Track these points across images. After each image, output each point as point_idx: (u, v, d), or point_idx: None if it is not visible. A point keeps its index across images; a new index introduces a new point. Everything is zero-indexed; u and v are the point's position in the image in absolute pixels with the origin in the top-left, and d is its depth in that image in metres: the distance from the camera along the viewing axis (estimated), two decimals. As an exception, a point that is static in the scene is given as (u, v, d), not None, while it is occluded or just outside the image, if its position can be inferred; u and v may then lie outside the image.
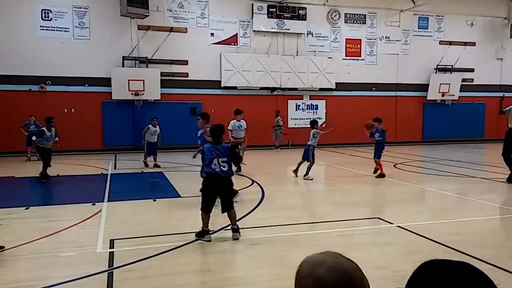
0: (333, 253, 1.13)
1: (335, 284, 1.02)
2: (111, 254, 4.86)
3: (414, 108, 21.07)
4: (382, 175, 10.32)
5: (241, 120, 11.30)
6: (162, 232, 5.79)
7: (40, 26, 16.07)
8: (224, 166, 5.29)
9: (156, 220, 6.73)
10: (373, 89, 20.30)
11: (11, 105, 15.60)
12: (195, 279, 4.20)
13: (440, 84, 20.78)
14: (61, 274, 4.27)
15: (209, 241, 5.22)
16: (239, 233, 5.38)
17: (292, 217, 5.66)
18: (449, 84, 20.88)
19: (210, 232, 5.34)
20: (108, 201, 7.80)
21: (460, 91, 21.10)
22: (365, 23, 20.11)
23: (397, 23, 20.53)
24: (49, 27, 16.20)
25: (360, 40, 20.14)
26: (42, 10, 16.05)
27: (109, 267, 4.46)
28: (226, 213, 5.44)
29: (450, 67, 21.14)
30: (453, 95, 21.07)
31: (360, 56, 20.19)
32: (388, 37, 20.50)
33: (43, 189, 9.32)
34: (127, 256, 4.73)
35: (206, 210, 5.33)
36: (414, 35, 20.84)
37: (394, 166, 12.85)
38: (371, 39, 20.28)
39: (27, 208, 7.20)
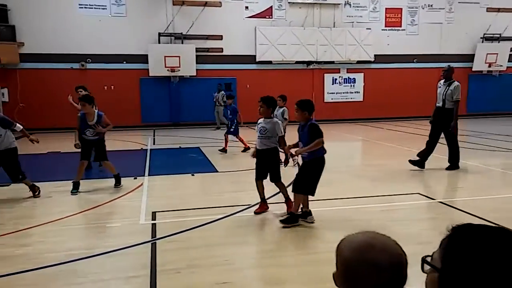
0: (370, 233, 1.11)
1: (393, 264, 1.02)
2: (154, 226, 5.04)
3: (458, 80, 20.00)
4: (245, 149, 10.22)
5: None
6: (201, 206, 5.93)
7: (79, 4, 16.40)
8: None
9: (195, 194, 6.90)
10: (414, 60, 19.49)
11: (54, 83, 16.17)
12: (235, 251, 4.30)
13: (487, 54, 19.64)
14: (108, 243, 4.49)
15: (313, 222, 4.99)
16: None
17: (328, 193, 5.62)
18: (497, 54, 19.70)
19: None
20: (149, 175, 8.05)
21: (509, 61, 19.89)
22: (406, -9, 19.16)
23: (441, -10, 19.43)
24: (87, 5, 16.50)
25: (401, 9, 19.24)
26: (80, -12, 16.37)
27: (152, 238, 4.64)
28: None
29: (498, 36, 19.88)
30: (501, 66, 19.89)
31: (400, 26, 19.33)
32: (431, 5, 19.46)
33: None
34: (169, 228, 4.90)
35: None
36: (459, 2, 19.64)
37: (435, 140, 12.41)
38: (413, 7, 19.33)
39: (74, 182, 7.56)
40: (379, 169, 8.41)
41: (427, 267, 0.94)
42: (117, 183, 7.08)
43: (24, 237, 4.78)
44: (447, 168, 7.98)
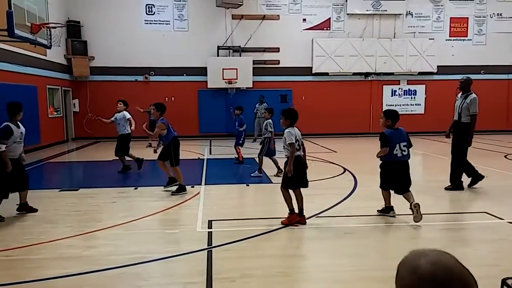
0: (437, 250, 1.07)
1: (435, 277, 0.96)
2: (210, 234, 5.15)
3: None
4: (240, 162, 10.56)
5: None
6: (256, 216, 5.97)
7: (145, 20, 17.39)
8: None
9: (250, 204, 6.97)
10: (482, 72, 18.43)
11: (120, 94, 17.09)
12: (288, 263, 4.27)
13: None
14: (167, 249, 4.65)
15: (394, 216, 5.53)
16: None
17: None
18: None
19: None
20: (205, 184, 8.25)
21: None
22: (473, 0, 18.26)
23: (512, -3, 18.30)
24: (152, 20, 17.45)
25: (467, 18, 18.36)
26: (146, 5, 17.35)
27: (208, 245, 4.74)
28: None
29: None
30: None
31: (466, 36, 18.44)
32: (501, 14, 18.38)
33: (150, 172, 10.12)
34: (224, 237, 4.97)
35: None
36: (532, 10, 18.42)
37: (505, 156, 11.63)
38: (480, 16, 18.37)
39: (136, 188, 7.94)
40: (443, 185, 7.98)
41: None
42: (177, 191, 7.35)
43: (91, 239, 5.08)
44: (447, 188, 7.49)
